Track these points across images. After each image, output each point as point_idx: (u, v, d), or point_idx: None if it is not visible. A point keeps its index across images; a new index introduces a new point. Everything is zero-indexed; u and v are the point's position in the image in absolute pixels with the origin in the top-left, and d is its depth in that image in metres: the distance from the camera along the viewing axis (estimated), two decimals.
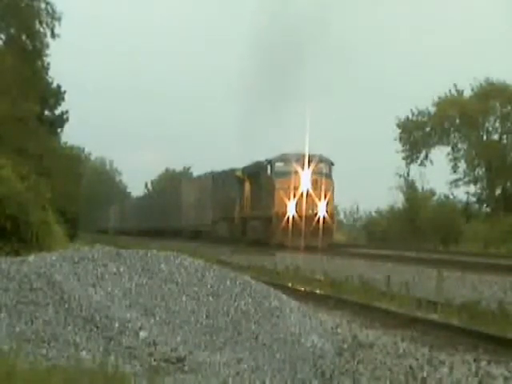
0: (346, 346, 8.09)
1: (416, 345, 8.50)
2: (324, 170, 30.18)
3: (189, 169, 75.88)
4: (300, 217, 28.27)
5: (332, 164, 31.06)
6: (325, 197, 28.98)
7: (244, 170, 34.29)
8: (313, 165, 29.14)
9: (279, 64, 49.99)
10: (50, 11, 35.36)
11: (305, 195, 28.68)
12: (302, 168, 28.91)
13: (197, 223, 41.54)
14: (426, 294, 12.75)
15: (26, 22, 35.05)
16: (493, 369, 7.06)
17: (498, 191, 42.75)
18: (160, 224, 50.91)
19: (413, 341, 8.82)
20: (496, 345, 8.15)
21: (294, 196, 28.69)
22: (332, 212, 30.10)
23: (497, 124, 43.51)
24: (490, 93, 42.05)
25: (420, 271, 16.94)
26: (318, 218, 28.51)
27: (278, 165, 30.17)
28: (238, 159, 52.41)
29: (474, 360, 7.38)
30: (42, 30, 35.99)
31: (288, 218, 28.44)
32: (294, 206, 28.55)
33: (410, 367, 7.10)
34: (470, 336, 8.80)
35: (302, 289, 13.70)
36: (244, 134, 55.33)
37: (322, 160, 30.15)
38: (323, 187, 29.04)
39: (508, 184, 42.13)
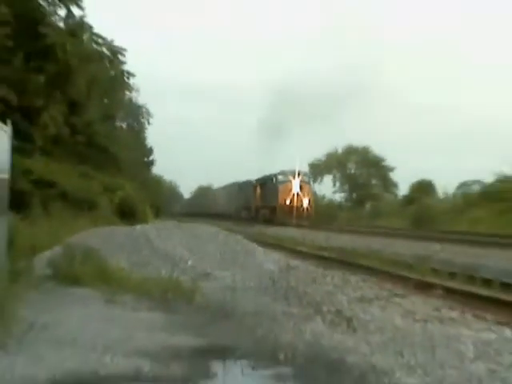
0: (284, 267, 12.44)
1: (317, 267, 13.24)
2: (306, 180, 45.47)
3: (210, 186, 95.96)
4: (292, 207, 43.00)
5: (310, 176, 50.23)
6: (307, 195, 44.05)
7: (257, 180, 51.26)
8: (300, 177, 43.76)
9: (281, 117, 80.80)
10: None
11: (295, 195, 43.33)
12: (294, 178, 43.54)
13: (227, 210, 61.13)
14: (321, 243, 22.14)
15: None
16: (350, 277, 11.51)
17: (354, 196, 71.97)
18: (204, 210, 74.80)
19: (315, 265, 13.83)
20: (356, 268, 13.96)
21: (289, 195, 43.31)
22: (312, 204, 44.46)
23: (354, 166, 73.55)
24: (351, 150, 72.20)
25: (321, 234, 27.69)
26: (303, 208, 43.31)
27: (280, 177, 44.84)
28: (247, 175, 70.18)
29: (343, 274, 11.93)
30: None
31: (285, 207, 43.09)
32: (289, 201, 43.24)
33: (313, 277, 11.12)
34: (342, 263, 15.25)
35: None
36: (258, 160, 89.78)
37: (305, 174, 45.97)
38: (306, 190, 44.25)
39: (357, 193, 71.32)
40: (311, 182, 48.43)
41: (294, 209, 42.87)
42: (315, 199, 48.56)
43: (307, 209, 43.62)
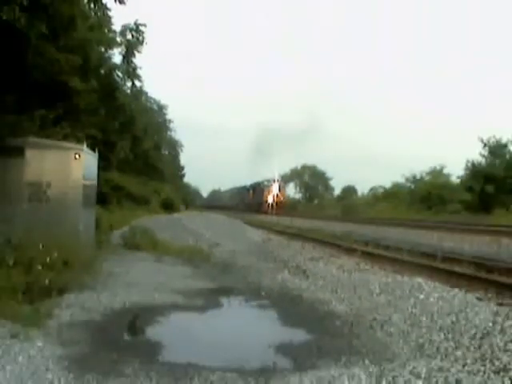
0: (265, 239, 13.44)
1: (285, 239, 13.64)
2: (282, 185, 45.72)
3: (219, 189, 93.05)
4: (273, 202, 43.16)
5: (284, 182, 50.70)
6: (281, 195, 44.41)
7: (250, 185, 50.83)
8: (278, 182, 44.39)
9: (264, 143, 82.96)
10: None
11: (275, 194, 43.61)
12: (273, 184, 43.87)
13: (230, 204, 58.38)
14: (288, 224, 20.78)
15: None
16: (305, 245, 11.67)
17: (307, 195, 70.96)
18: (216, 204, 70.26)
19: (284, 238, 14.13)
20: (308, 239, 13.34)
21: (270, 194, 43.56)
22: (284, 200, 45.09)
23: (307, 177, 73.20)
24: (305, 167, 72.60)
25: (288, 219, 25.30)
26: (280, 202, 43.56)
27: (264, 183, 45.11)
28: (242, 181, 72.62)
29: (301, 243, 12.12)
30: None
31: (268, 202, 43.16)
32: (271, 198, 43.38)
33: (283, 245, 11.61)
34: (300, 236, 14.63)
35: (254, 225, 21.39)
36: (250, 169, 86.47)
37: (280, 181, 45.74)
38: (281, 191, 44.55)
39: (309, 194, 70.95)
40: (284, 186, 48.09)
41: (274, 203, 43.05)
42: (286, 197, 48.26)
43: (281, 203, 43.76)
